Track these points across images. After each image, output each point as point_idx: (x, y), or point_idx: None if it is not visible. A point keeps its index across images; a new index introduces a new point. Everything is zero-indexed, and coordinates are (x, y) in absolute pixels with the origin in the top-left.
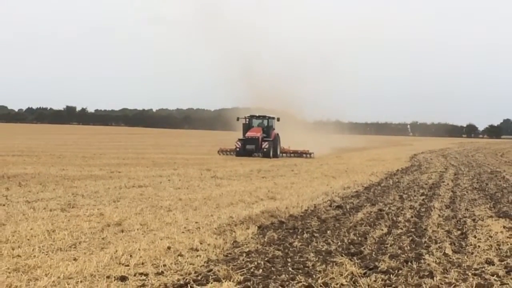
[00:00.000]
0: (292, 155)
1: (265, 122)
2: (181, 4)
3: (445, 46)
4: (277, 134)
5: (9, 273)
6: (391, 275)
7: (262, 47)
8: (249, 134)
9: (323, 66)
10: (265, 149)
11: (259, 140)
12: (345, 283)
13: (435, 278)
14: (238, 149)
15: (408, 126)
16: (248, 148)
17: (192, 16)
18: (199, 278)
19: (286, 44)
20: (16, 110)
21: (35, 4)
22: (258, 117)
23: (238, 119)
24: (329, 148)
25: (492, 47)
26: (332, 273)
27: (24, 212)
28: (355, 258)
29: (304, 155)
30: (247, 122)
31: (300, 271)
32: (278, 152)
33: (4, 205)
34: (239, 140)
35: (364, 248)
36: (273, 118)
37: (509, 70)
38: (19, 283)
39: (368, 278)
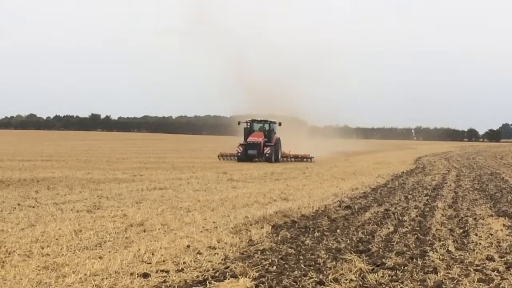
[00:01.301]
0: (292, 159)
1: (266, 126)
2: (181, 14)
3: (447, 55)
4: (278, 138)
5: (39, 270)
6: (397, 271)
7: (267, 54)
8: (251, 139)
9: (329, 73)
10: (267, 154)
11: (261, 145)
12: (354, 278)
13: (439, 273)
14: (239, 154)
15: (413, 131)
16: (250, 153)
17: (191, 25)
18: (216, 274)
19: (291, 51)
20: (45, 118)
21: (68, 21)
22: (259, 121)
23: (239, 123)
24: (335, 153)
25: (492, 55)
26: (342, 269)
27: (53, 213)
28: (363, 255)
29: (305, 159)
30: (248, 126)
31: (312, 267)
32: (279, 157)
33: (34, 207)
34: (241, 145)
35: (372, 246)
36: (275, 122)
37: (507, 77)
38: (48, 280)
39: (376, 274)
